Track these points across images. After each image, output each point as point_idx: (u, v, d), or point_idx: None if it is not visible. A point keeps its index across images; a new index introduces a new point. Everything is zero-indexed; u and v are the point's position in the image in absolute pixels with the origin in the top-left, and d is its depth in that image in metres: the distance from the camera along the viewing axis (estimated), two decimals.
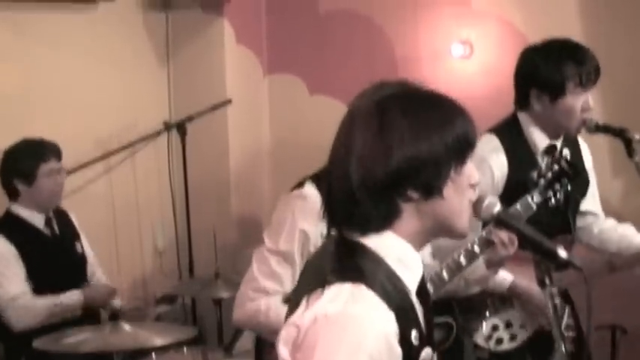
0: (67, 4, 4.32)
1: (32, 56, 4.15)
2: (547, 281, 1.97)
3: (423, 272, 1.64)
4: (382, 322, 1.48)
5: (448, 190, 1.56)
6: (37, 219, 3.75)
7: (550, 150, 3.06)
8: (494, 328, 3.01)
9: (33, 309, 3.58)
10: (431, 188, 1.54)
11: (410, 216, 1.56)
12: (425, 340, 1.58)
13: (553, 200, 2.76)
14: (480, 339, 2.99)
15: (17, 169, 3.71)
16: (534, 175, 2.78)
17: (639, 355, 3.78)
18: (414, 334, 1.53)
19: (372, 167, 1.52)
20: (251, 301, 2.61)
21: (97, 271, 3.99)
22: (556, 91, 2.94)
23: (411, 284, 1.59)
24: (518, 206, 2.75)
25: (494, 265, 2.76)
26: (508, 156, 3.00)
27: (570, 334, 3.02)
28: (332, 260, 1.58)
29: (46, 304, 3.60)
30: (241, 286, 2.69)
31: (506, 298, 3.03)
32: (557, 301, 2.61)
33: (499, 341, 3.00)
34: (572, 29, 4.04)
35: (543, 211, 2.80)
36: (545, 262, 1.92)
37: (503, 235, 2.65)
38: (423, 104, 1.57)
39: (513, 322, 3.04)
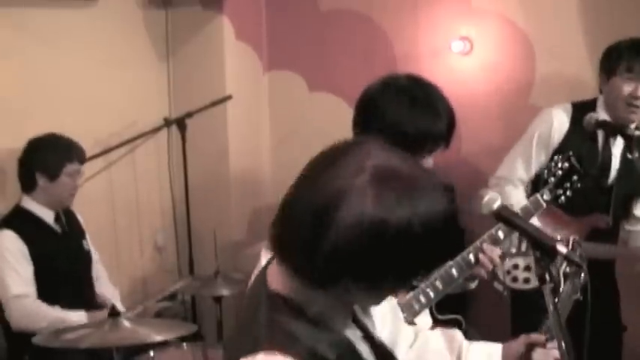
0: (67, 0, 4.32)
1: (32, 53, 4.14)
2: (547, 277, 1.96)
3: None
4: None
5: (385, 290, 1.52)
6: (47, 215, 3.75)
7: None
8: (515, 266, 3.17)
9: (37, 314, 3.55)
10: (380, 291, 1.50)
11: (339, 289, 1.46)
12: None
13: (563, 198, 2.79)
14: (500, 271, 3.17)
15: (43, 163, 3.69)
16: (544, 173, 2.82)
17: (639, 352, 3.78)
18: None
19: (343, 237, 1.38)
20: None
21: (101, 275, 4.00)
22: (608, 70, 3.32)
23: (340, 326, 1.54)
24: (528, 204, 2.77)
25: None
26: (572, 119, 3.40)
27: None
28: (251, 323, 1.51)
29: (51, 315, 3.56)
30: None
31: (529, 246, 3.20)
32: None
33: (515, 279, 3.18)
34: (572, 25, 4.04)
35: (590, 189, 2.95)
36: (545, 258, 1.91)
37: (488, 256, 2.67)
38: (424, 202, 1.42)
39: (532, 268, 3.18)
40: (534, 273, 3.17)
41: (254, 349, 1.43)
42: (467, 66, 4.35)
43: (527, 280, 3.20)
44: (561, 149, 3.33)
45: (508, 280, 3.16)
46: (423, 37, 4.47)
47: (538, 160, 3.46)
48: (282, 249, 1.48)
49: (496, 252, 2.66)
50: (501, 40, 4.27)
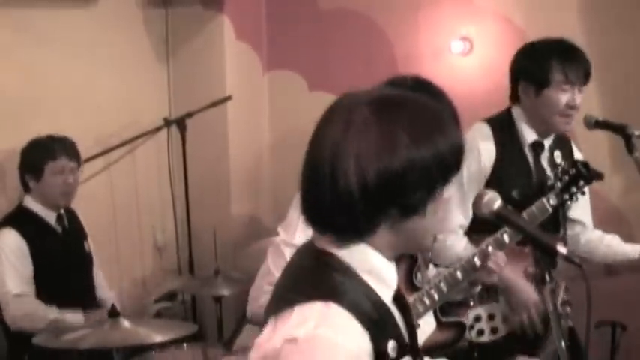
0: (68, 1, 4.31)
1: (32, 53, 4.14)
2: (547, 278, 1.97)
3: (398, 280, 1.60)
4: (352, 342, 1.44)
5: (428, 209, 1.52)
6: (48, 215, 3.77)
7: (535, 146, 3.10)
8: (477, 318, 3.00)
9: (36, 314, 3.57)
10: (415, 208, 1.49)
11: (385, 230, 1.51)
12: (405, 349, 1.55)
13: (570, 203, 2.76)
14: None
15: (26, 164, 3.76)
16: (551, 177, 2.79)
17: (639, 351, 3.78)
18: (391, 345, 1.50)
19: (367, 175, 1.45)
20: (266, 294, 2.58)
21: (100, 280, 4.00)
22: (540, 83, 3.02)
23: (386, 294, 1.56)
24: (534, 209, 2.76)
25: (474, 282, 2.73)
26: (497, 145, 3.08)
27: (568, 309, 2.99)
28: (303, 275, 1.55)
29: (49, 315, 3.57)
30: (256, 280, 2.67)
31: (491, 291, 3.02)
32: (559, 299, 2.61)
33: (480, 332, 3.00)
34: (571, 26, 4.04)
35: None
36: (545, 258, 1.91)
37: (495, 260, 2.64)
38: (426, 116, 1.51)
39: (496, 315, 3.02)
40: (499, 320, 3.00)
41: (309, 298, 1.47)
42: (467, 66, 4.35)
43: (495, 330, 3.00)
44: (494, 178, 3.04)
45: (473, 336, 2.95)
46: (423, 37, 4.47)
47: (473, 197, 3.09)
48: (319, 213, 1.53)
49: (502, 258, 2.64)
50: (502, 41, 4.27)
